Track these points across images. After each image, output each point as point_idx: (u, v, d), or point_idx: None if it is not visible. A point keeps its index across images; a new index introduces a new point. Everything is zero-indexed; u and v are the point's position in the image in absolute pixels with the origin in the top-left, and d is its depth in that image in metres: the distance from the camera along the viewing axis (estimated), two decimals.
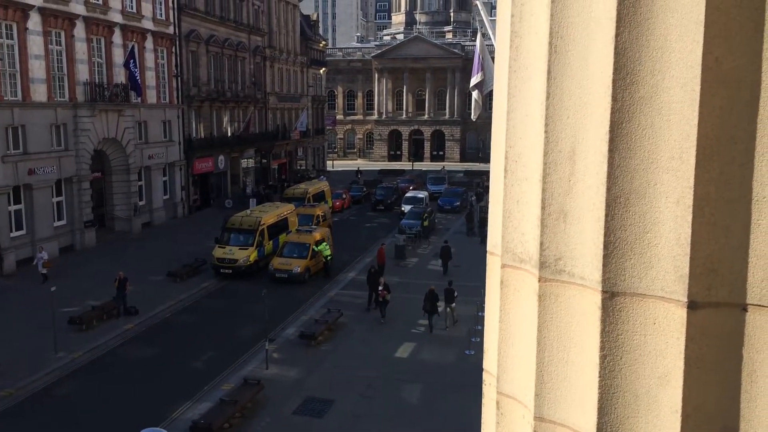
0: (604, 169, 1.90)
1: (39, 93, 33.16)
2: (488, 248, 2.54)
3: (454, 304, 24.33)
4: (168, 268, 30.77)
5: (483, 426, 2.63)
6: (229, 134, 53.32)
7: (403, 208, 44.91)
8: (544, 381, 2.07)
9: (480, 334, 22.99)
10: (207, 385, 19.48)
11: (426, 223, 39.22)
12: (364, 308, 26.27)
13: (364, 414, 17.72)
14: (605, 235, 1.89)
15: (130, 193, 40.60)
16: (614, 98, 1.87)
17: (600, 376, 1.92)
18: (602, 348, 1.92)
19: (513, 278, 2.22)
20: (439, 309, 24.27)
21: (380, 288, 24.46)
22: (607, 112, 1.88)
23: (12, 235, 31.84)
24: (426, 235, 39.40)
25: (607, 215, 1.89)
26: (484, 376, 2.58)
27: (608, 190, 1.89)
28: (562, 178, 2.02)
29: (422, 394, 19.03)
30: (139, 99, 40.51)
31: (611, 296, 1.90)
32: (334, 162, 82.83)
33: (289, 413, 17.74)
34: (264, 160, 60.63)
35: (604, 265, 1.90)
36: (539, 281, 2.06)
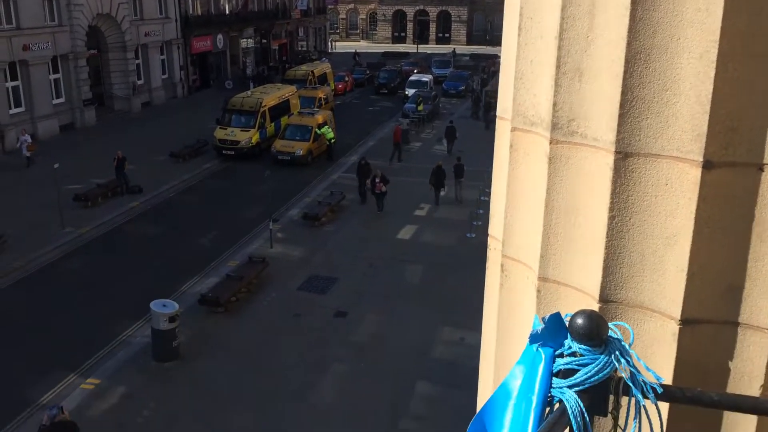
0: (625, 22, 1.80)
1: None
2: (498, 113, 2.47)
3: (462, 178, 25.37)
4: (170, 148, 30.71)
5: (486, 289, 2.68)
6: (227, 12, 51.42)
7: (406, 92, 44.11)
8: (550, 243, 2.08)
9: (482, 218, 23.29)
10: (214, 262, 20.00)
11: (420, 108, 38.07)
12: (358, 202, 25.18)
13: (366, 291, 18.30)
14: (622, 93, 1.83)
15: (128, 71, 39.78)
16: None
17: (607, 237, 1.92)
18: (611, 209, 1.91)
19: (523, 142, 2.17)
20: (447, 186, 25.16)
21: (377, 180, 23.63)
22: None
23: (11, 111, 31.58)
24: (429, 119, 38.96)
25: (625, 72, 1.82)
26: (489, 241, 2.59)
27: (628, 45, 1.80)
28: (580, 34, 1.93)
29: (423, 274, 19.56)
30: None
31: (624, 157, 1.86)
32: (336, 43, 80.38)
33: (293, 289, 18.32)
34: (264, 40, 58.85)
35: (619, 125, 1.85)
36: (550, 143, 2.02)
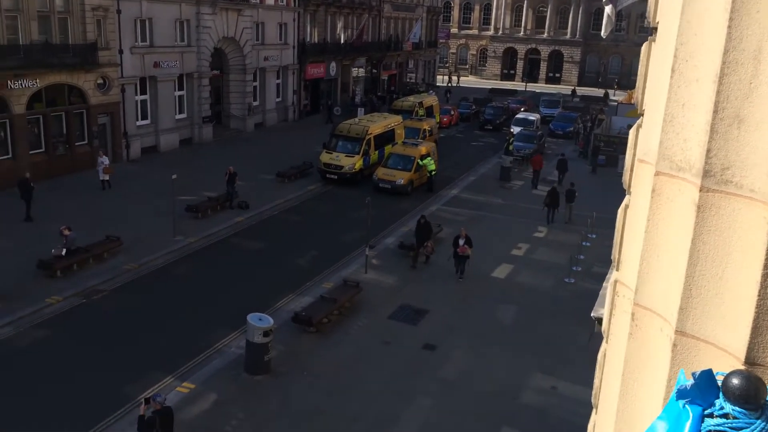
0: None
1: None
2: (639, 156, 2.40)
3: (573, 203, 27.51)
4: (277, 168, 31.90)
5: (610, 337, 2.58)
6: (342, 41, 53.17)
7: (512, 129, 43.77)
8: (692, 295, 1.98)
9: (582, 263, 22.55)
10: (309, 281, 20.44)
11: (509, 147, 36.07)
12: (410, 266, 21.86)
13: (456, 326, 18.08)
14: None
15: (245, 92, 41.82)
16: None
17: (759, 295, 1.81)
18: (766, 266, 1.80)
19: (667, 187, 2.09)
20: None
21: (462, 242, 20.95)
22: None
23: (138, 123, 33.87)
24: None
25: None
26: (617, 288, 2.50)
27: None
28: (743, 80, 1.85)
29: (516, 315, 19.12)
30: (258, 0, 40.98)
31: None
32: (444, 78, 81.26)
33: (384, 317, 18.38)
34: (374, 70, 60.32)
35: None
36: (700, 191, 1.94)
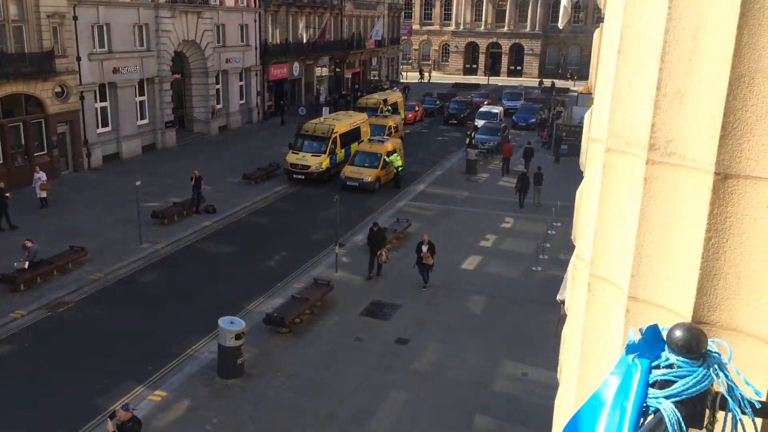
0: (730, 47, 1.83)
1: None
2: (591, 134, 2.52)
3: (541, 186, 28.88)
4: (243, 170, 31.70)
5: (570, 310, 2.70)
6: (305, 41, 53.00)
7: (476, 123, 44.18)
8: (642, 263, 2.09)
9: (548, 251, 22.93)
10: (280, 282, 20.39)
11: (470, 141, 36.48)
12: (366, 277, 20.66)
13: (428, 320, 18.23)
14: (724, 115, 1.85)
15: (208, 96, 41.44)
16: None
17: (702, 258, 1.93)
18: (708, 230, 1.92)
19: (617, 162, 2.21)
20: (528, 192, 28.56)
21: (425, 249, 19.90)
22: None
23: (99, 131, 33.32)
24: (497, 151, 38.84)
25: (728, 95, 1.84)
26: (575, 261, 2.62)
27: (733, 68, 1.83)
28: (683, 57, 1.96)
29: (486, 306, 19.35)
30: (218, 1, 40.57)
31: (723, 179, 1.88)
32: (408, 74, 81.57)
33: (357, 314, 18.44)
34: (338, 69, 60.26)
35: (720, 147, 1.87)
36: (647, 164, 2.05)
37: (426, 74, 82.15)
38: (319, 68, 56.25)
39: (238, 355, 15.08)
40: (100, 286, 19.77)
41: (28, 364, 15.45)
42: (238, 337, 14.91)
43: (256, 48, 46.06)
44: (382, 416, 13.93)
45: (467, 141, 35.85)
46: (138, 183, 22.59)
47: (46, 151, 30.08)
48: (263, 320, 17.25)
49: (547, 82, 73.04)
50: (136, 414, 13.51)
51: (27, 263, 19.26)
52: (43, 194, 25.90)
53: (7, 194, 23.60)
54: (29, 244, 19.48)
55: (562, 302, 6.50)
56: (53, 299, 18.59)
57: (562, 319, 3.23)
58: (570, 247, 2.83)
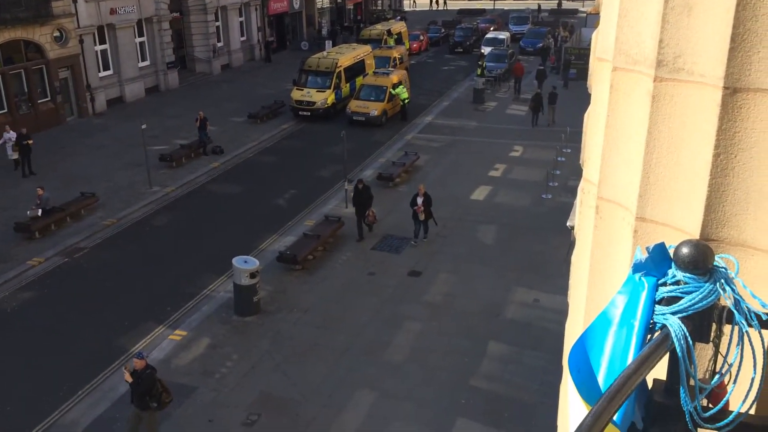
0: None
1: None
2: (597, 54, 2.45)
3: (556, 104, 29.33)
4: (249, 109, 31.44)
5: (579, 233, 2.70)
6: None
7: (482, 50, 43.24)
8: (650, 182, 2.07)
9: (558, 179, 22.84)
10: (291, 221, 20.53)
11: (480, 72, 35.26)
12: (355, 239, 19.07)
13: (439, 251, 18.39)
14: (734, 26, 1.79)
15: (209, 34, 40.67)
16: None
17: (711, 175, 1.91)
18: (716, 146, 1.89)
19: (624, 81, 2.16)
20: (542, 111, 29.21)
21: (419, 201, 18.60)
22: None
23: (100, 75, 32.95)
24: (506, 78, 38.18)
25: (738, 5, 1.78)
26: (583, 185, 2.60)
27: None
28: None
29: (496, 235, 19.45)
30: None
31: (732, 93, 1.83)
32: (418, 0, 79.46)
33: (368, 248, 18.61)
34: (339, 0, 58.78)
35: (729, 60, 1.82)
36: (654, 81, 2.00)
37: (441, 1, 79.57)
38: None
39: (253, 293, 15.35)
40: (114, 231, 19.99)
41: (49, 309, 15.81)
42: (252, 275, 15.14)
43: None
44: (396, 347, 14.25)
45: (478, 71, 35.07)
46: (144, 126, 22.51)
47: (49, 98, 29.88)
48: (276, 258, 17.46)
49: (553, 4, 70.76)
50: (159, 353, 13.95)
51: (39, 211, 19.44)
52: (15, 155, 23.17)
53: (30, 140, 23.42)
54: (40, 191, 19.62)
55: (572, 228, 6.52)
56: (69, 245, 18.86)
57: (572, 244, 3.24)
58: (580, 174, 2.81)
